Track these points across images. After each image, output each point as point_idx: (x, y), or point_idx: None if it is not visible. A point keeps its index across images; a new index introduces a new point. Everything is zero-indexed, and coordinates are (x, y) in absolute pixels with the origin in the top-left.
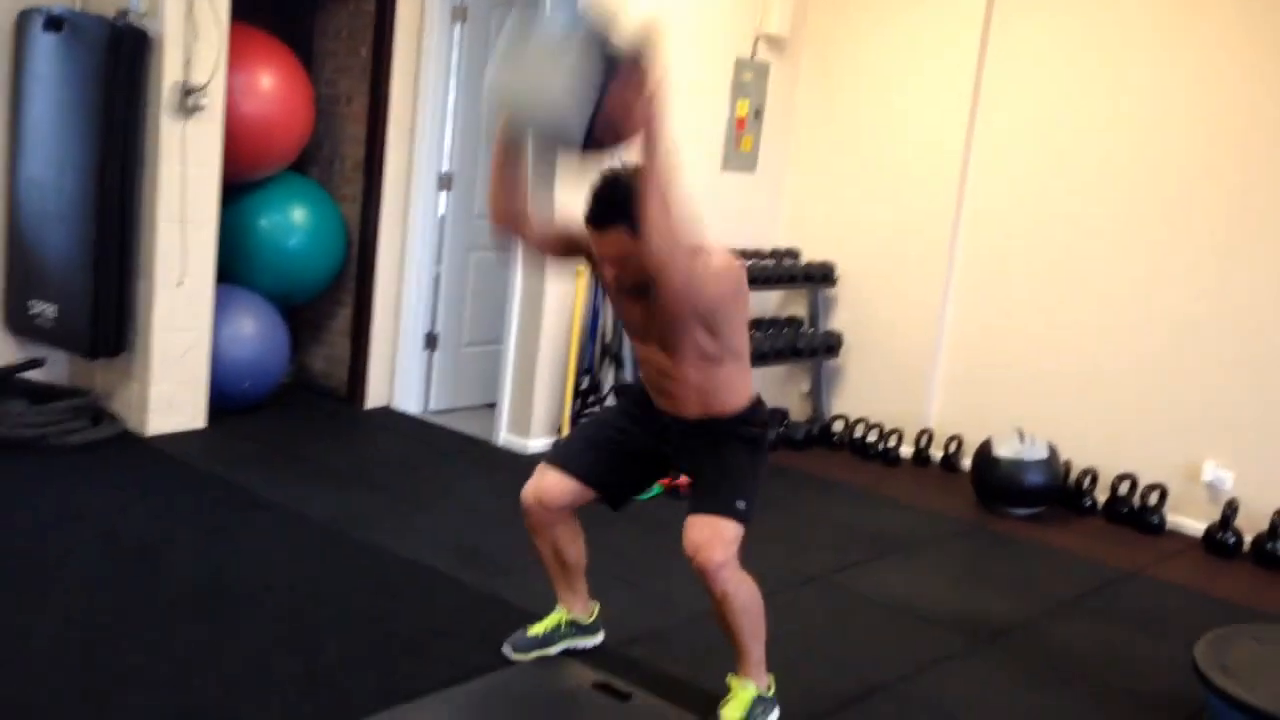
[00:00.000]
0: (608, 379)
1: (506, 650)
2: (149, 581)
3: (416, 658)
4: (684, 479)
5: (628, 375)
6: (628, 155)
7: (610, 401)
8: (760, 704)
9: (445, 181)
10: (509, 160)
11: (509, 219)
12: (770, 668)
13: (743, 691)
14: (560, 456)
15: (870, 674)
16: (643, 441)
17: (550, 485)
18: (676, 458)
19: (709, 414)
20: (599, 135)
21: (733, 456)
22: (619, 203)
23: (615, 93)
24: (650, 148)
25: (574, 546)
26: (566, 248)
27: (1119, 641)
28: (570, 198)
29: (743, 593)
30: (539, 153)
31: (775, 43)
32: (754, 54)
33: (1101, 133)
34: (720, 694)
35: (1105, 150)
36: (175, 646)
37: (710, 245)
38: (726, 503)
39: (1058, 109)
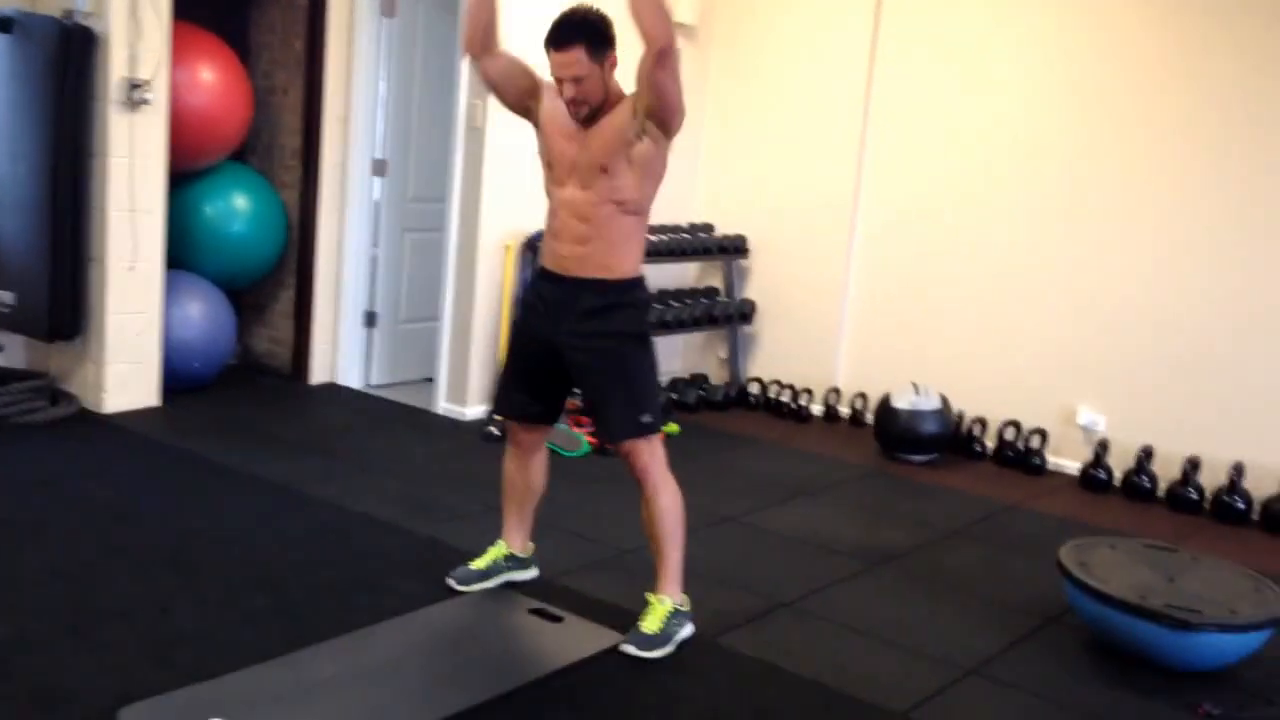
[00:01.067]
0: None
1: (451, 582)
2: (121, 536)
3: (371, 592)
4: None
5: None
6: None
7: None
8: (676, 617)
9: (379, 168)
10: None
11: (477, 39)
12: (686, 590)
13: (660, 606)
14: (504, 406)
15: (774, 594)
16: (540, 346)
17: (521, 434)
18: (574, 369)
19: (605, 274)
20: None
21: (627, 361)
22: (578, 25)
23: None
24: None
25: (541, 475)
26: (516, 93)
27: (997, 561)
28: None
29: (665, 496)
30: None
31: (685, 31)
32: None
33: (988, 104)
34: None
35: (987, 124)
36: (150, 589)
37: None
38: (637, 424)
39: (946, 84)
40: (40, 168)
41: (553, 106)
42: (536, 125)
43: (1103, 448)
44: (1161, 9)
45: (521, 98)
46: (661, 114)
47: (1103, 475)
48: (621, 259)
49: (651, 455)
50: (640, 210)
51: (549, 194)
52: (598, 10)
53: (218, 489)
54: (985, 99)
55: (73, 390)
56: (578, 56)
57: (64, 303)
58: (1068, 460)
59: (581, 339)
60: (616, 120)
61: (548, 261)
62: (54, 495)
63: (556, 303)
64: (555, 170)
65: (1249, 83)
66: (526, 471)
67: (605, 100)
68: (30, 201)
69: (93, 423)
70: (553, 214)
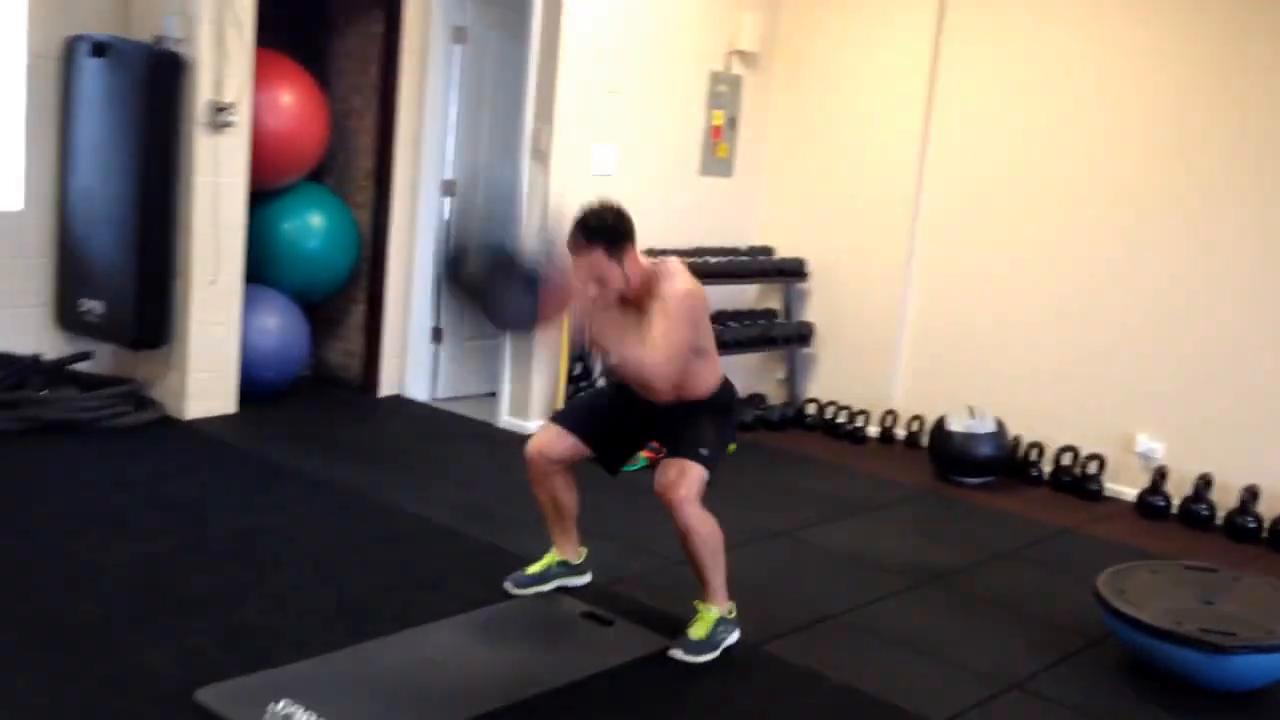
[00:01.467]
0: (598, 364)
1: (507, 586)
2: (196, 533)
3: (430, 592)
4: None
5: None
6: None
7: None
8: (722, 624)
9: (448, 188)
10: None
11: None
12: (733, 600)
13: (707, 614)
14: (560, 416)
15: (820, 607)
16: (629, 410)
17: (550, 439)
18: (658, 426)
19: (683, 400)
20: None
21: (701, 417)
22: (595, 228)
23: (544, 291)
24: (622, 362)
25: (569, 495)
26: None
27: (1046, 583)
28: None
29: (704, 527)
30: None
31: (747, 57)
32: (728, 68)
33: (1049, 132)
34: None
35: (1051, 149)
36: (224, 582)
37: (670, 267)
38: (691, 449)
39: (1006, 111)
40: (130, 186)
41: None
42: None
43: (1160, 475)
44: (1243, 20)
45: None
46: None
47: (1160, 502)
48: (696, 387)
49: (689, 490)
50: (700, 352)
51: (602, 350)
52: (613, 209)
53: (289, 492)
54: (1044, 125)
55: (156, 396)
56: (597, 260)
57: (150, 313)
58: (1125, 487)
59: (673, 420)
60: (652, 315)
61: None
62: (136, 494)
63: (644, 410)
64: (605, 341)
65: None
66: (552, 494)
67: (629, 283)
68: (120, 217)
69: (174, 427)
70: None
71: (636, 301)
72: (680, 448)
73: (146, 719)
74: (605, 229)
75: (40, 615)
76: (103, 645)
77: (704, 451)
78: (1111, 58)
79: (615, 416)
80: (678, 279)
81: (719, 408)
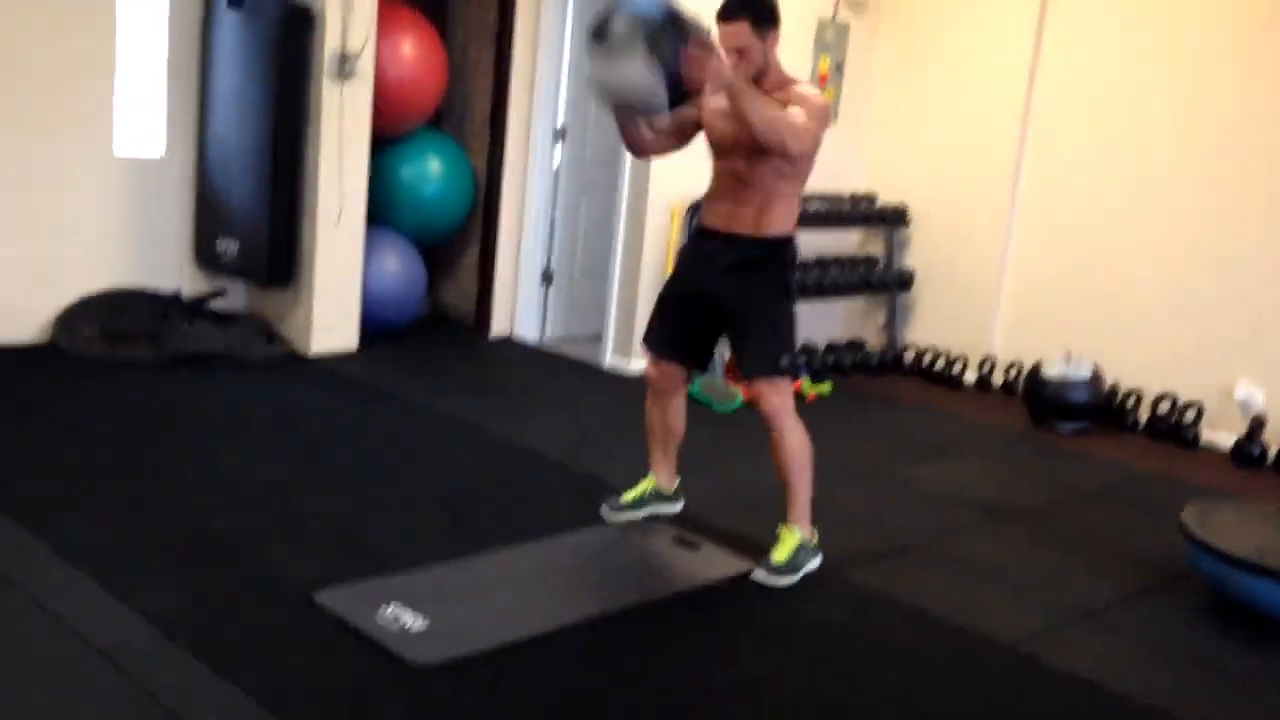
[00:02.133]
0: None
1: (603, 511)
2: (322, 456)
3: (533, 515)
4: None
5: None
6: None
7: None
8: (804, 549)
9: (560, 134)
10: (626, 121)
11: (643, 153)
12: (816, 529)
13: (790, 537)
14: (649, 339)
15: (903, 538)
16: (695, 295)
17: (654, 373)
18: (721, 314)
19: (758, 231)
20: (680, 93)
21: (770, 308)
22: (745, 2)
23: (687, 61)
24: (732, 96)
25: (678, 419)
26: (683, 133)
27: (1129, 523)
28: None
29: (795, 438)
30: (639, 113)
31: (855, 4)
32: (835, 15)
33: (1154, 75)
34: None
35: (1156, 92)
36: (344, 499)
37: (802, 88)
38: (773, 364)
39: (1112, 58)
40: (263, 133)
41: (711, 102)
42: (702, 126)
43: (1258, 423)
44: None
45: (687, 129)
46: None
47: (1256, 451)
48: (775, 219)
49: (781, 399)
50: (797, 175)
51: (714, 165)
52: None
53: (405, 421)
54: (1153, 66)
55: (284, 333)
56: (742, 29)
57: (280, 253)
58: (1223, 435)
59: (731, 287)
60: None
61: (706, 219)
62: (267, 421)
63: (711, 254)
64: (719, 148)
65: None
66: (665, 414)
67: (766, 71)
68: (254, 162)
69: (300, 362)
70: (716, 178)
71: (767, 94)
72: (759, 361)
73: (273, 617)
74: (753, 3)
75: (182, 523)
76: (237, 553)
77: (784, 362)
78: (1230, 12)
79: (688, 320)
80: (814, 91)
81: (784, 283)
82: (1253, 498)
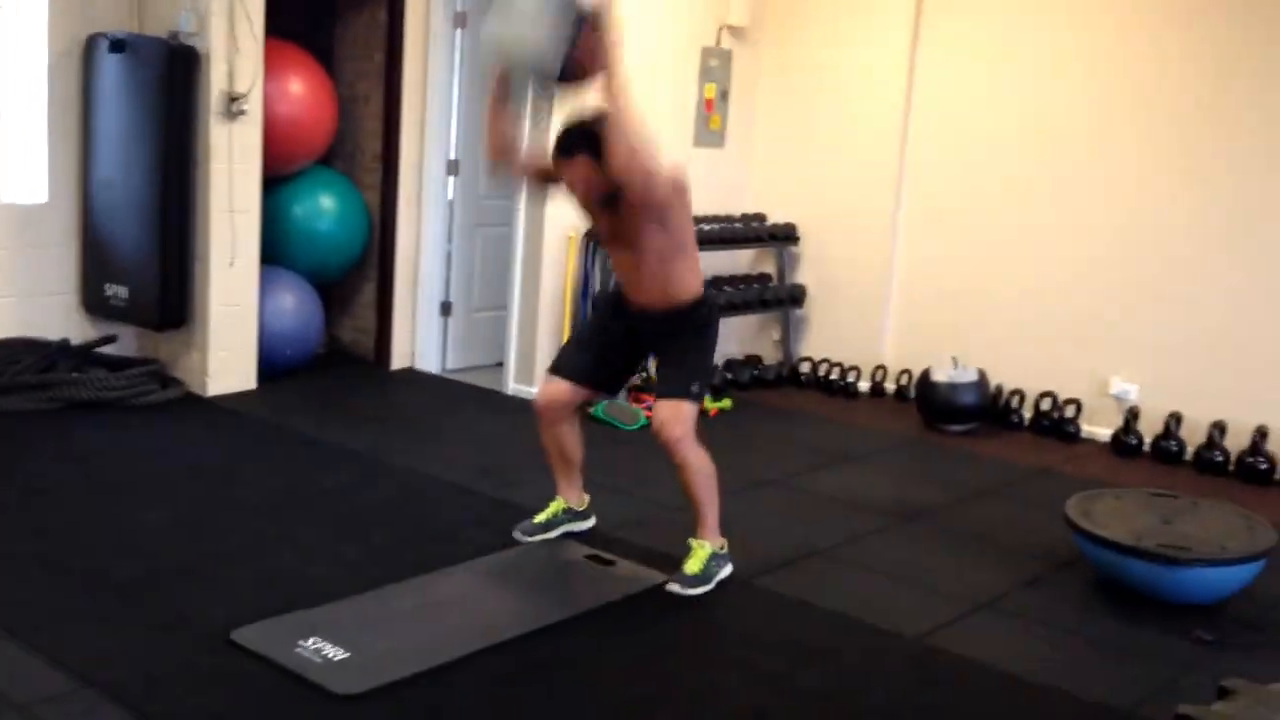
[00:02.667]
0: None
1: (516, 534)
2: (227, 494)
3: (445, 543)
4: None
5: None
6: (591, 93)
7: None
8: (715, 559)
9: (453, 168)
10: (502, 98)
11: (502, 149)
12: (726, 538)
13: (700, 550)
14: (558, 364)
15: (809, 543)
16: (618, 333)
17: (553, 390)
18: (644, 345)
19: (669, 304)
20: (570, 72)
21: (688, 342)
22: (581, 137)
23: (584, 40)
24: (611, 84)
25: (574, 442)
26: (545, 175)
27: (1021, 517)
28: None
29: (698, 461)
30: (523, 88)
31: (737, 32)
32: (718, 43)
33: (1021, 93)
34: None
35: (1023, 109)
36: (254, 537)
37: (659, 164)
38: (683, 388)
39: (986, 73)
40: (150, 175)
41: (563, 170)
42: (561, 179)
43: (1133, 415)
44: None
45: (552, 175)
46: (658, 209)
47: (1133, 441)
48: (681, 289)
49: (684, 429)
50: (683, 246)
51: (603, 247)
52: (596, 114)
53: (310, 457)
54: (1023, 88)
55: (180, 375)
56: (582, 165)
57: (172, 296)
58: (1101, 428)
59: (658, 337)
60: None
61: (624, 291)
62: (168, 464)
63: (634, 320)
64: (600, 236)
65: None
66: (558, 441)
67: (618, 185)
68: (142, 205)
69: (197, 404)
70: (615, 266)
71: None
72: (671, 384)
73: (192, 659)
74: (589, 135)
75: (90, 572)
76: (148, 596)
77: (693, 389)
78: (1095, 18)
79: (604, 341)
80: (661, 170)
81: (700, 323)
82: (1131, 485)
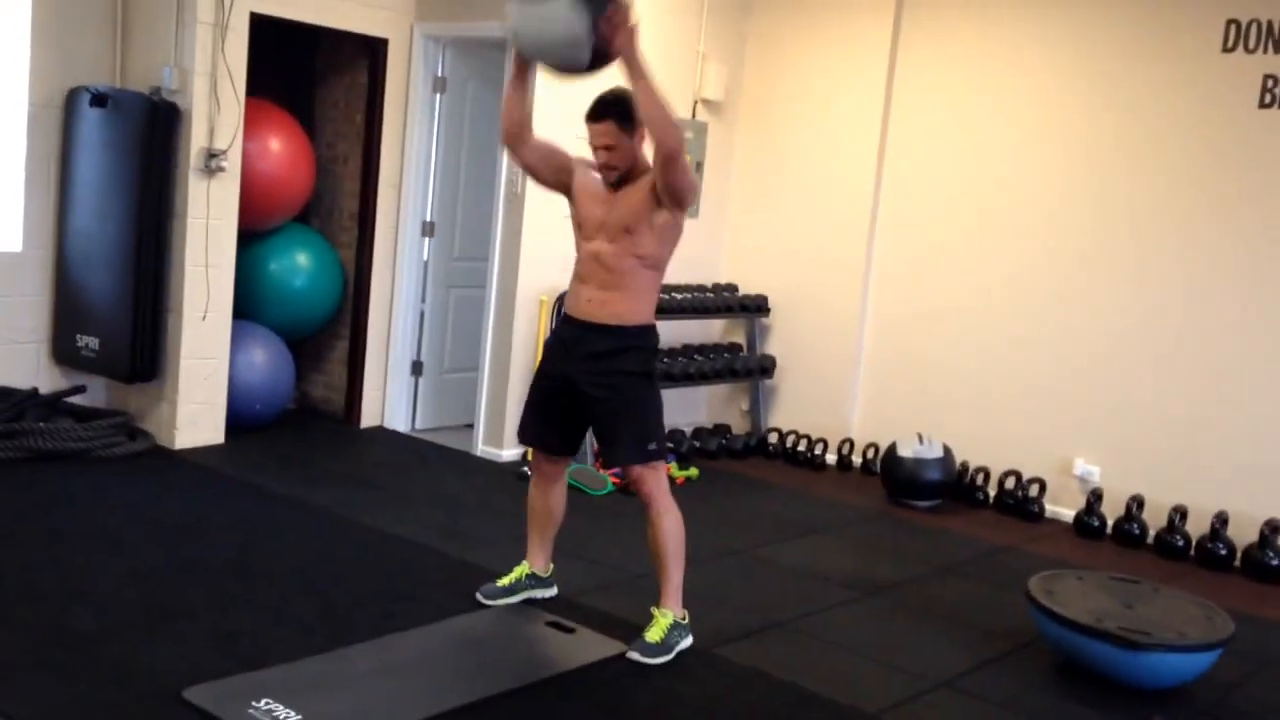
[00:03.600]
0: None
1: (479, 597)
2: (188, 550)
3: (408, 603)
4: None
5: None
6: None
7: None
8: (676, 629)
9: (428, 229)
10: (520, 81)
11: (515, 132)
12: (688, 609)
13: (662, 618)
14: (523, 433)
15: (770, 615)
16: (557, 381)
17: (541, 463)
18: (587, 404)
19: (620, 321)
20: (592, 56)
21: (633, 396)
22: (611, 103)
23: (603, 26)
24: (634, 67)
25: (560, 503)
26: (553, 170)
27: (983, 595)
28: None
29: (670, 519)
30: (554, 66)
31: (712, 106)
32: (694, 115)
33: (989, 182)
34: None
35: (992, 191)
36: (213, 593)
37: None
38: (642, 452)
39: (955, 155)
40: (126, 227)
41: (584, 177)
42: (570, 195)
43: (1096, 497)
44: (1168, 73)
45: (558, 174)
46: (676, 196)
47: (1095, 522)
48: (637, 308)
49: (657, 482)
50: (657, 266)
51: (578, 247)
52: (630, 93)
53: (274, 513)
54: (990, 169)
55: (148, 428)
56: (610, 129)
57: (143, 348)
58: (1064, 509)
59: (594, 375)
60: (641, 189)
61: (570, 307)
62: (131, 516)
63: (574, 342)
64: (585, 229)
65: (1261, 142)
66: (547, 498)
67: (636, 164)
68: (116, 257)
69: (165, 456)
70: (580, 263)
71: (629, 181)
72: (630, 450)
73: (141, 714)
74: (620, 103)
75: (45, 623)
76: (102, 649)
77: (652, 448)
78: (1057, 103)
79: (556, 413)
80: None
81: (645, 369)
82: (1093, 567)
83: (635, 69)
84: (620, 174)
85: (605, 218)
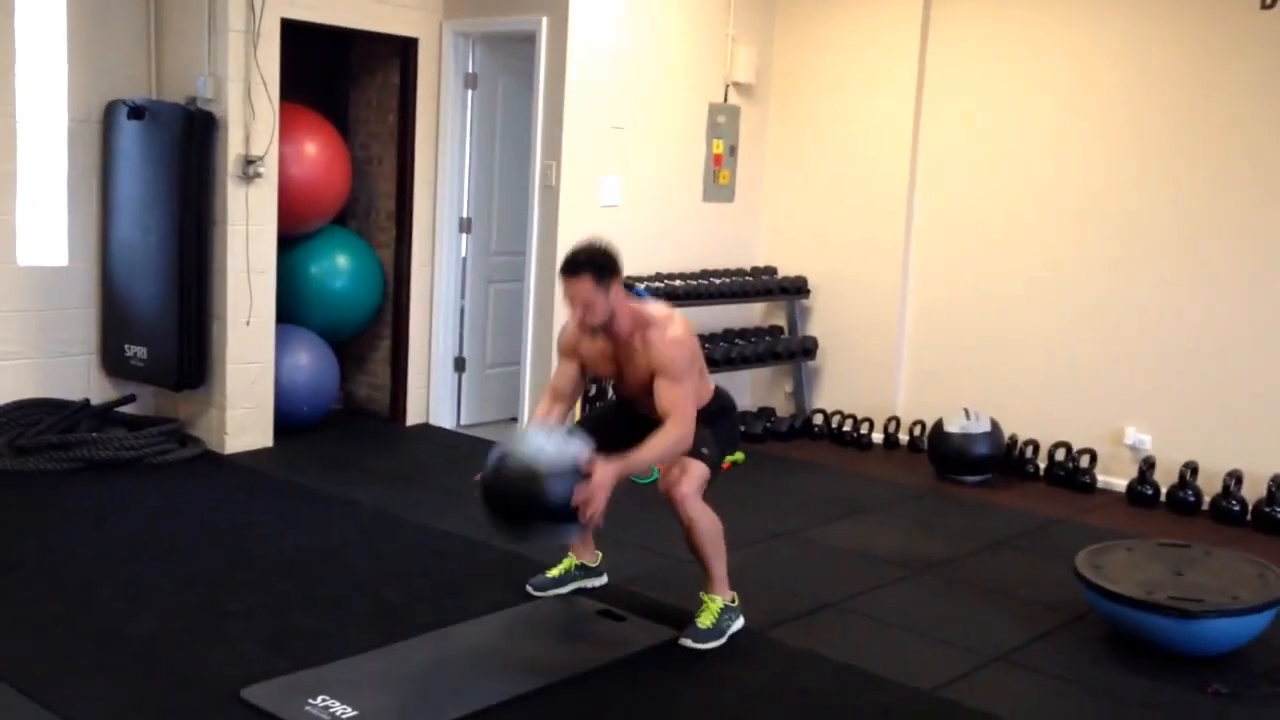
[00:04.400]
0: (611, 387)
1: (529, 588)
2: (243, 553)
3: (460, 596)
4: None
5: None
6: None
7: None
8: (727, 613)
9: (465, 225)
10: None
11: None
12: (738, 593)
13: (712, 604)
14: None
15: (821, 595)
16: (635, 420)
17: None
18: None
19: None
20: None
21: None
22: (584, 261)
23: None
24: (621, 476)
25: None
26: (581, 373)
27: (1034, 568)
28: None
29: (705, 520)
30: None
31: (744, 89)
32: (726, 99)
33: (1031, 143)
34: None
35: (1034, 158)
36: (268, 594)
37: (657, 314)
38: (694, 449)
39: (991, 123)
40: (168, 236)
41: (584, 346)
42: (586, 367)
43: (1148, 465)
44: (1208, 35)
45: (579, 363)
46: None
47: (1149, 491)
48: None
49: (693, 486)
50: (698, 393)
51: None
52: (602, 246)
53: (324, 514)
54: (1028, 138)
55: (198, 434)
56: (586, 285)
57: (190, 356)
58: (1116, 479)
59: None
60: (645, 361)
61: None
62: (185, 522)
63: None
64: (608, 381)
65: None
66: None
67: (614, 316)
68: (160, 267)
69: (216, 461)
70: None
71: (626, 339)
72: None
73: (201, 715)
74: (593, 260)
75: (106, 628)
76: (162, 652)
77: (704, 451)
78: (1096, 73)
79: (623, 427)
80: (668, 328)
81: (714, 413)
82: (1146, 536)
83: (632, 471)
84: (600, 325)
85: (622, 377)
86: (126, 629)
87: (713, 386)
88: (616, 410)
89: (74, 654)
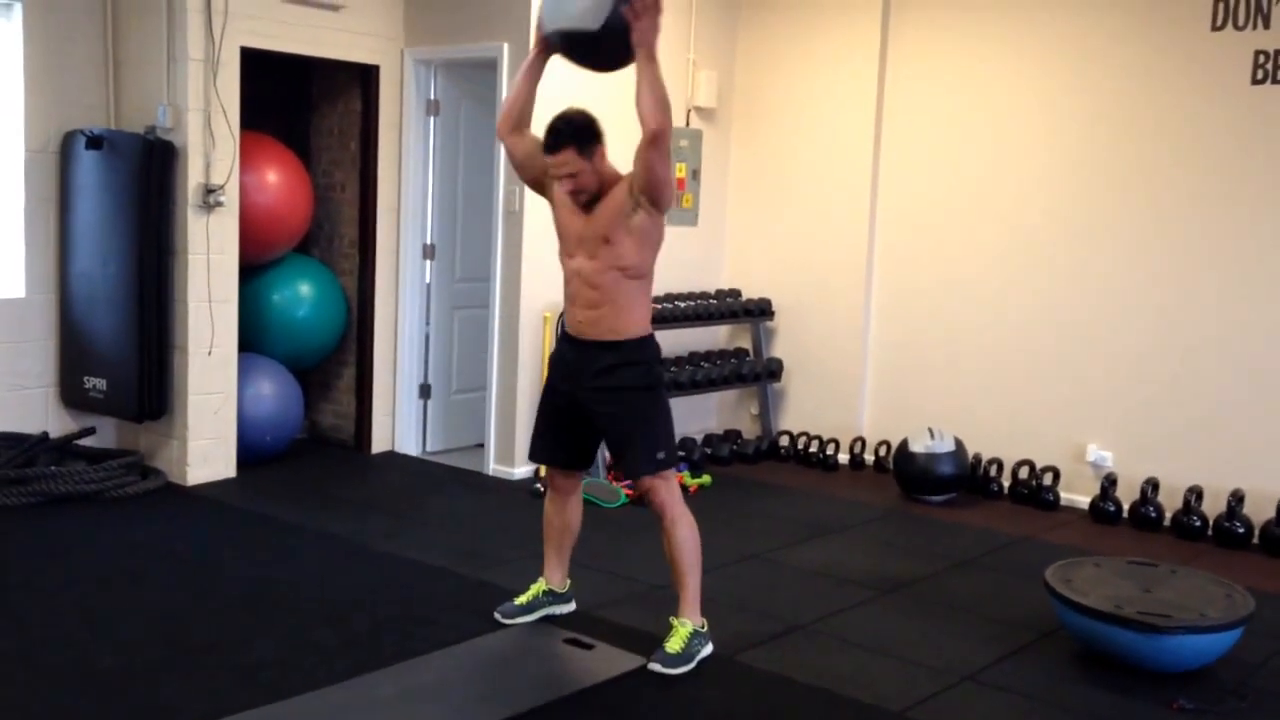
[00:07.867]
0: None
1: (497, 616)
2: (207, 585)
3: (427, 626)
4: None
5: None
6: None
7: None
8: (696, 638)
9: (429, 252)
10: (535, 67)
11: (514, 118)
12: (707, 617)
13: (681, 628)
14: (533, 451)
15: (790, 618)
16: (564, 397)
17: (555, 478)
18: (595, 419)
19: (615, 335)
20: (610, 43)
21: (640, 408)
22: (566, 130)
23: (624, 13)
24: (651, 53)
25: (577, 517)
26: (537, 172)
27: (1002, 587)
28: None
29: (685, 528)
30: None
31: (705, 113)
32: (687, 123)
33: (985, 173)
34: None
35: (988, 188)
36: (234, 626)
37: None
38: (652, 462)
39: (949, 149)
40: (128, 267)
41: (562, 196)
42: (550, 201)
43: (1110, 482)
44: (1159, 53)
45: (538, 176)
46: (652, 191)
47: (1111, 508)
48: (629, 321)
49: (669, 491)
50: (642, 275)
51: (563, 264)
52: (583, 113)
53: (289, 544)
54: (986, 161)
55: (160, 465)
56: (569, 157)
57: (151, 387)
58: (1079, 496)
59: (599, 393)
60: (615, 197)
61: (568, 325)
62: (148, 554)
63: (575, 362)
64: (566, 242)
65: (1269, 131)
66: (564, 514)
67: (601, 185)
68: (119, 297)
69: (178, 493)
70: (567, 282)
71: (603, 202)
72: (639, 462)
73: None
74: (575, 129)
75: (68, 665)
76: (126, 688)
77: (660, 457)
78: (1052, 94)
79: (558, 427)
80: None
81: (649, 381)
82: (1110, 552)
83: (652, 54)
84: (588, 196)
85: (583, 231)
86: (89, 665)
87: (650, 322)
88: (557, 409)
89: (34, 692)
